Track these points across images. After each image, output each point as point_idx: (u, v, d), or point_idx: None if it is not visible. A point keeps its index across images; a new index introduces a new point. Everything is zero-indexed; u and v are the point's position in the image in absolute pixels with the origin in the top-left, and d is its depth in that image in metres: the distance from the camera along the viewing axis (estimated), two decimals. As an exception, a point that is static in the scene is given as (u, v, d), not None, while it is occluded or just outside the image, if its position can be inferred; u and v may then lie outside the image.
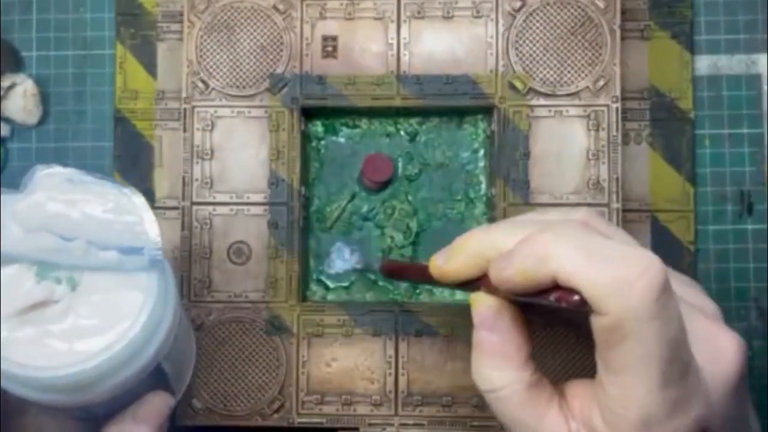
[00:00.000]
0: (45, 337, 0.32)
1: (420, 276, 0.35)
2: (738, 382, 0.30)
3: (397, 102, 0.43)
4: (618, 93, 0.42)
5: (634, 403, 0.28)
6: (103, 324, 0.32)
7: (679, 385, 0.28)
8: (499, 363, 0.31)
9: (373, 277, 0.45)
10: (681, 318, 0.28)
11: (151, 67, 0.46)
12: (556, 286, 0.29)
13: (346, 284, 0.45)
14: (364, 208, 0.45)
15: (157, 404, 0.36)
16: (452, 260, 0.33)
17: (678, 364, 0.28)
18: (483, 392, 0.32)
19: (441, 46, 0.43)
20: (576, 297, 0.28)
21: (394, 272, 0.39)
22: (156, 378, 0.35)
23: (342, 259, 0.45)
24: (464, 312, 0.42)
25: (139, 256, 0.32)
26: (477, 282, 0.32)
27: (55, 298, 0.32)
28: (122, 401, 0.35)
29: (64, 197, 0.33)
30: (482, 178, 0.45)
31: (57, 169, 0.33)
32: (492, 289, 0.31)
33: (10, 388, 0.32)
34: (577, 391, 0.31)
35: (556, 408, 0.31)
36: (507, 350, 0.31)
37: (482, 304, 0.32)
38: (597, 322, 0.28)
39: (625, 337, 0.27)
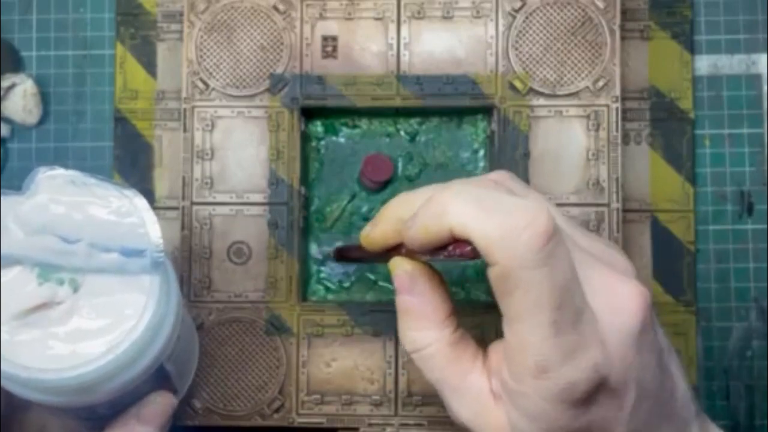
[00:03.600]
0: (48, 339, 0.32)
1: (359, 253, 0.37)
2: (639, 331, 0.31)
3: (397, 102, 0.43)
4: (618, 93, 0.42)
5: (528, 350, 0.29)
6: (105, 326, 0.32)
7: (572, 332, 0.29)
8: (419, 324, 0.33)
9: (373, 277, 0.45)
10: (572, 266, 0.29)
11: (151, 67, 0.46)
12: (453, 240, 0.30)
13: (346, 284, 0.45)
14: (364, 208, 0.45)
15: (161, 404, 0.36)
16: (377, 227, 0.34)
17: (570, 311, 0.29)
18: (409, 353, 0.33)
19: (441, 46, 0.43)
20: (468, 247, 0.30)
21: (344, 255, 0.41)
22: (159, 378, 0.35)
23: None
24: (464, 312, 0.42)
25: (141, 258, 0.33)
26: (401, 248, 0.33)
27: (57, 300, 0.32)
28: (126, 402, 0.35)
29: (67, 199, 0.33)
30: (482, 178, 0.45)
31: (59, 171, 0.33)
32: (411, 254, 0.33)
33: (13, 389, 0.32)
34: (497, 347, 0.32)
35: (479, 366, 0.32)
36: (426, 311, 0.33)
37: (399, 268, 0.33)
38: (490, 273, 0.29)
39: (515, 286, 0.29)
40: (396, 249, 0.34)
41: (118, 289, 0.33)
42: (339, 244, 0.44)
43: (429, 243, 0.31)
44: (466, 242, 0.30)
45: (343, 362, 0.42)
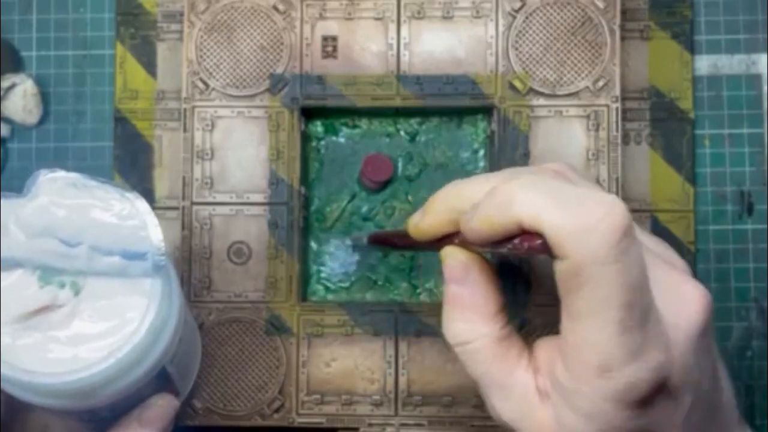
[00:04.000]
0: (49, 343, 0.32)
1: (404, 241, 0.36)
2: (701, 333, 0.30)
3: (397, 102, 0.43)
4: (618, 93, 0.42)
5: (592, 348, 0.28)
6: (107, 329, 0.32)
7: (639, 332, 0.28)
8: (468, 316, 0.32)
9: (373, 276, 0.45)
10: (643, 264, 0.28)
11: (151, 67, 0.46)
12: (521, 233, 0.29)
13: (346, 284, 0.45)
14: (364, 208, 0.45)
15: (162, 407, 0.36)
16: (427, 217, 0.33)
17: (638, 310, 0.28)
18: (453, 346, 0.32)
19: (441, 46, 0.43)
20: (539, 241, 0.28)
21: (379, 241, 0.40)
22: (161, 380, 0.35)
23: (339, 262, 0.45)
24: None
25: (142, 261, 0.32)
26: (453, 238, 0.32)
27: (58, 304, 0.32)
28: (127, 404, 0.35)
29: (68, 202, 0.32)
30: (482, 178, 0.45)
31: (60, 174, 0.33)
32: (465, 244, 0.32)
33: (15, 393, 0.32)
34: (545, 345, 0.31)
35: (525, 363, 0.31)
36: (476, 303, 0.32)
37: (452, 257, 0.32)
38: (559, 267, 0.28)
39: (585, 282, 0.27)
40: (444, 239, 0.33)
41: (119, 292, 0.33)
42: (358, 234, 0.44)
43: (493, 235, 0.29)
44: (536, 235, 0.28)
45: (343, 362, 0.42)
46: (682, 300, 0.30)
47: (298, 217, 0.43)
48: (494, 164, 0.43)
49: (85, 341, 0.32)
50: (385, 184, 0.45)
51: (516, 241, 0.29)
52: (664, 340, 0.29)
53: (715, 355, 0.32)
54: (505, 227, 0.29)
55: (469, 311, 0.32)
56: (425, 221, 0.33)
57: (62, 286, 0.32)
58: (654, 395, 0.29)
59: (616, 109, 0.42)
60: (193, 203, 0.43)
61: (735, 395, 0.33)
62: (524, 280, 0.41)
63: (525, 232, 0.28)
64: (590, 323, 0.28)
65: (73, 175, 0.33)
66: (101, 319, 0.32)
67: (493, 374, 0.31)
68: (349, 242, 0.44)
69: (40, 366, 0.31)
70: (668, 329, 0.29)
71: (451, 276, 0.32)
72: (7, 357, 0.31)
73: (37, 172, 0.33)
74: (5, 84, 0.46)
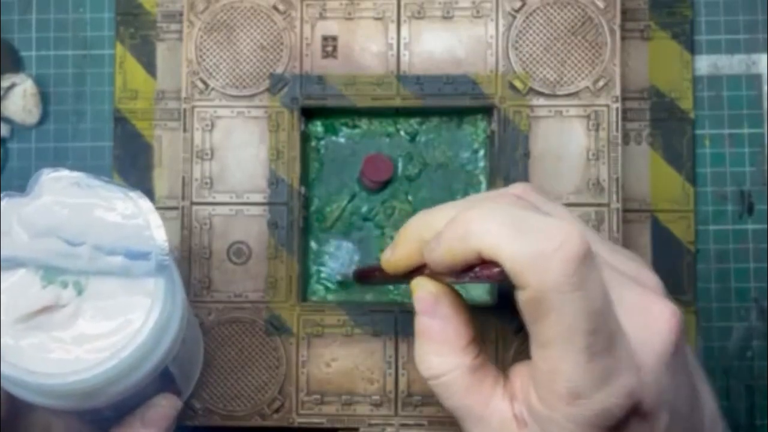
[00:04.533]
0: (52, 343, 0.32)
1: (382, 275, 0.35)
2: (672, 352, 0.29)
3: (397, 102, 0.43)
4: (618, 93, 0.42)
5: (560, 376, 0.28)
6: (110, 329, 0.32)
7: (606, 357, 0.28)
8: (440, 349, 0.31)
9: (373, 277, 0.45)
10: (605, 289, 0.28)
11: (150, 67, 0.46)
12: (480, 262, 0.29)
13: (346, 284, 0.45)
14: (364, 208, 0.45)
15: (165, 407, 0.36)
16: (397, 249, 0.33)
17: (603, 335, 0.28)
18: (427, 379, 0.32)
19: (441, 46, 0.43)
20: (496, 269, 0.28)
21: (364, 277, 0.40)
22: (163, 380, 0.35)
23: (338, 262, 0.45)
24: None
25: (146, 261, 0.32)
26: (423, 269, 0.32)
27: (61, 303, 0.32)
28: (130, 404, 0.35)
29: (71, 201, 0.32)
30: (482, 178, 0.45)
31: (63, 173, 0.33)
32: (433, 275, 0.32)
33: (17, 393, 0.32)
34: (520, 371, 0.31)
35: (500, 391, 0.31)
36: (447, 336, 0.31)
37: (422, 289, 0.32)
38: (520, 297, 0.28)
39: (547, 310, 0.27)
40: (418, 270, 0.33)
41: (122, 292, 0.32)
42: (352, 268, 0.44)
43: (454, 265, 0.29)
44: (494, 264, 0.28)
45: (343, 362, 0.42)
46: (650, 320, 0.29)
47: (297, 217, 0.43)
48: (494, 164, 0.43)
49: (89, 341, 0.32)
50: (385, 184, 0.45)
51: (477, 269, 0.29)
52: (633, 362, 0.29)
53: (693, 371, 0.31)
54: (465, 257, 0.29)
55: (441, 344, 0.31)
56: (396, 254, 0.33)
57: (65, 285, 0.32)
58: (628, 419, 0.28)
59: (617, 109, 0.42)
60: (192, 203, 0.43)
61: (717, 403, 0.33)
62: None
63: (484, 262, 0.28)
64: (556, 351, 0.28)
65: (77, 174, 0.33)
66: (104, 319, 0.32)
67: (469, 405, 0.31)
68: (339, 278, 0.44)
69: (44, 366, 0.31)
70: (638, 351, 0.29)
71: (422, 308, 0.32)
72: (10, 357, 0.31)
73: (40, 171, 0.33)
74: (5, 84, 0.46)
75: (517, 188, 0.33)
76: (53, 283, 0.32)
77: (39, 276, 0.32)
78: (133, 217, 0.33)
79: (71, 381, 0.31)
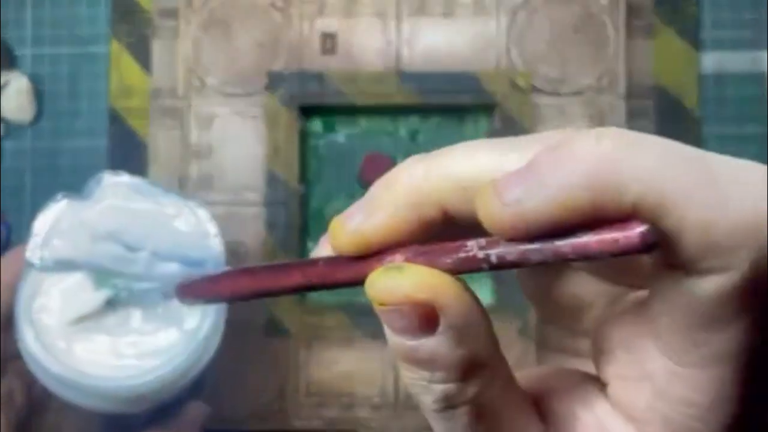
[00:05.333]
0: (105, 347, 0.32)
1: (258, 282, 0.20)
2: None
3: (398, 100, 0.43)
4: (622, 91, 0.42)
5: (724, 407, 0.18)
6: (164, 337, 0.33)
7: None
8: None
9: (372, 278, 0.44)
10: None
11: (146, 65, 0.45)
12: (598, 223, 0.17)
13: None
14: (364, 208, 0.45)
15: (197, 415, 0.36)
16: (379, 213, 0.20)
17: None
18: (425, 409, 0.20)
19: (442, 43, 0.43)
20: (639, 229, 0.16)
21: (188, 292, 0.23)
22: (194, 387, 0.36)
23: None
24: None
25: (201, 268, 0.33)
26: (398, 250, 0.19)
27: (115, 308, 0.33)
28: (164, 409, 0.35)
29: (133, 207, 0.33)
30: (484, 178, 0.44)
31: (125, 178, 0.33)
32: (415, 259, 0.19)
33: (65, 394, 0.33)
34: (552, 384, 0.21)
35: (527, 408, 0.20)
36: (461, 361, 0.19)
37: (413, 284, 0.19)
38: (705, 285, 0.17)
39: (751, 306, 0.17)
40: (380, 253, 0.20)
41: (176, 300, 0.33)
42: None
43: (557, 224, 0.17)
44: (635, 223, 0.16)
45: (342, 365, 0.42)
46: None
47: (296, 216, 0.42)
48: (496, 163, 0.42)
49: (142, 346, 0.32)
50: (385, 184, 0.44)
51: (590, 235, 0.16)
52: None
53: None
54: (592, 210, 0.16)
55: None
56: (376, 220, 0.20)
57: (120, 290, 0.33)
58: None
59: (621, 106, 0.42)
60: (189, 203, 0.42)
61: None
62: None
63: (606, 221, 0.16)
64: (730, 371, 0.18)
65: (137, 180, 0.33)
66: (157, 325, 0.33)
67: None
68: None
69: (96, 369, 0.32)
70: None
71: (414, 321, 0.19)
72: (63, 359, 0.32)
73: (100, 175, 0.33)
74: None
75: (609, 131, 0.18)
76: (108, 287, 0.33)
77: (93, 280, 0.33)
78: (191, 225, 0.33)
79: (127, 385, 0.31)
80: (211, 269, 0.32)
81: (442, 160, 0.19)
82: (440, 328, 0.18)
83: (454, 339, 0.19)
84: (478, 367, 0.19)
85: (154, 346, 0.32)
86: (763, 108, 0.45)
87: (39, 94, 0.46)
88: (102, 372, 0.32)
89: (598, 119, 0.42)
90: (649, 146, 0.17)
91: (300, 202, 0.43)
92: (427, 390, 0.19)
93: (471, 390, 0.19)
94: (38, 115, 0.46)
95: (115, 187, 0.33)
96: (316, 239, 0.44)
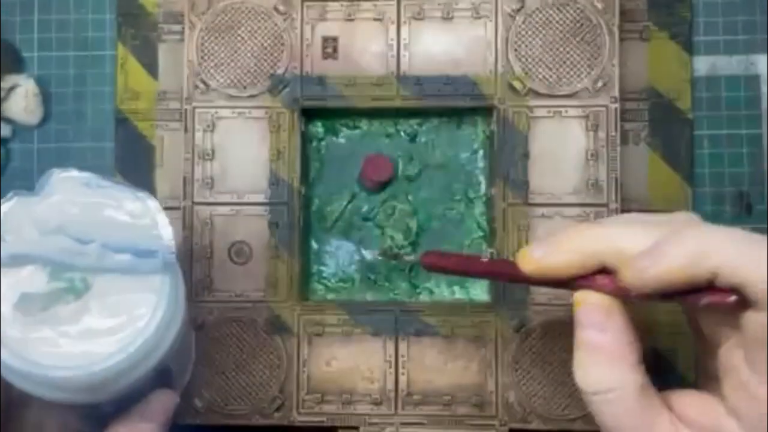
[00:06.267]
0: (60, 338, 0.32)
1: (467, 267, 0.33)
2: None
3: (397, 102, 0.43)
4: (617, 93, 0.42)
5: None
6: (117, 325, 0.32)
7: None
8: (610, 363, 0.30)
9: (372, 276, 0.45)
10: None
11: (152, 68, 0.46)
12: (707, 286, 0.28)
13: (346, 284, 0.45)
14: (364, 208, 0.45)
15: (164, 402, 0.36)
16: (555, 255, 0.31)
17: None
18: (589, 394, 0.30)
19: (441, 47, 0.43)
20: (733, 297, 0.27)
21: (434, 261, 0.34)
22: (162, 376, 0.36)
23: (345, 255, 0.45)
24: (464, 312, 0.42)
25: (153, 258, 0.33)
26: (576, 280, 0.31)
27: (69, 300, 0.33)
28: (130, 399, 0.35)
29: (81, 200, 0.33)
30: (482, 179, 0.45)
31: (73, 173, 0.34)
32: (598, 287, 0.30)
33: (22, 385, 0.33)
34: (689, 400, 0.30)
35: (666, 415, 0.30)
36: (620, 350, 0.30)
37: (591, 302, 0.31)
38: (755, 320, 0.27)
39: None
40: (561, 281, 0.31)
41: (129, 289, 0.33)
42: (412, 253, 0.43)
43: (674, 286, 0.28)
44: (726, 290, 0.28)
45: (343, 361, 0.42)
46: None
47: (298, 217, 0.43)
48: (494, 164, 0.43)
49: (96, 336, 0.32)
50: (385, 185, 0.45)
51: (707, 298, 0.28)
52: None
53: None
54: (693, 278, 0.28)
55: (611, 359, 0.30)
56: (551, 260, 0.31)
57: (72, 282, 0.33)
58: None
59: (615, 109, 0.42)
60: (194, 203, 0.43)
61: None
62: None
63: (712, 287, 0.28)
64: None
65: (86, 175, 0.34)
66: (111, 314, 0.33)
67: (634, 425, 0.30)
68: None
69: (51, 359, 0.32)
70: None
71: (591, 321, 0.30)
72: (17, 349, 0.32)
73: (50, 171, 0.34)
74: (6, 85, 0.46)
75: (682, 215, 0.32)
76: (60, 279, 0.33)
77: (46, 273, 0.33)
78: (141, 216, 0.33)
79: (79, 374, 0.31)
80: (162, 258, 0.33)
81: (613, 233, 0.30)
82: (609, 326, 0.30)
83: (618, 335, 0.30)
84: (631, 361, 0.30)
85: (107, 336, 0.32)
86: (755, 110, 0.46)
87: (46, 97, 0.47)
88: (54, 362, 0.31)
89: (593, 121, 0.42)
90: (731, 236, 0.28)
91: (302, 203, 0.43)
92: (592, 374, 0.30)
93: (625, 377, 0.30)
94: (45, 118, 0.47)
95: (64, 182, 0.33)
96: (317, 239, 0.45)
